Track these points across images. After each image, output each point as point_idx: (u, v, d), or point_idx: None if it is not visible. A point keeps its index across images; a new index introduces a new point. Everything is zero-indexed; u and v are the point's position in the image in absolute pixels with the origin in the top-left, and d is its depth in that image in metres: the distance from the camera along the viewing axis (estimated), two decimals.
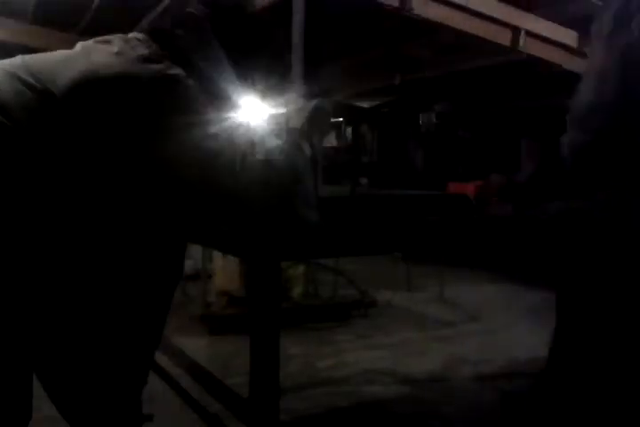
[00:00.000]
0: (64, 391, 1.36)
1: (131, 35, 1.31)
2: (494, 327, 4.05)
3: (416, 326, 4.09)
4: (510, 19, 4.17)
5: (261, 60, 1.37)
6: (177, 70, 1.20)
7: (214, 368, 3.17)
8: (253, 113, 1.31)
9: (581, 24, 4.65)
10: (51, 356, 1.30)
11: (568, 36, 4.56)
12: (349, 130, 10.02)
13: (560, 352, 1.29)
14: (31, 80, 1.18)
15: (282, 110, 1.34)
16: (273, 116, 1.34)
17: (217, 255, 4.03)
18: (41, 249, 1.17)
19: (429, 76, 6.81)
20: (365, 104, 9.31)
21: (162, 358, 3.05)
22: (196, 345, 3.52)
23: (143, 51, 1.22)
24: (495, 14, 4.08)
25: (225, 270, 3.99)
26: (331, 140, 10.07)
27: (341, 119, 9.81)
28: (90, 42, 1.29)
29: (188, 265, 4.95)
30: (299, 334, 3.67)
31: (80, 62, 1.20)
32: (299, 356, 3.32)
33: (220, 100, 1.28)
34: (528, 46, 4.36)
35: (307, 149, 1.21)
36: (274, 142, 1.21)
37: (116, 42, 1.26)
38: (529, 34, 4.30)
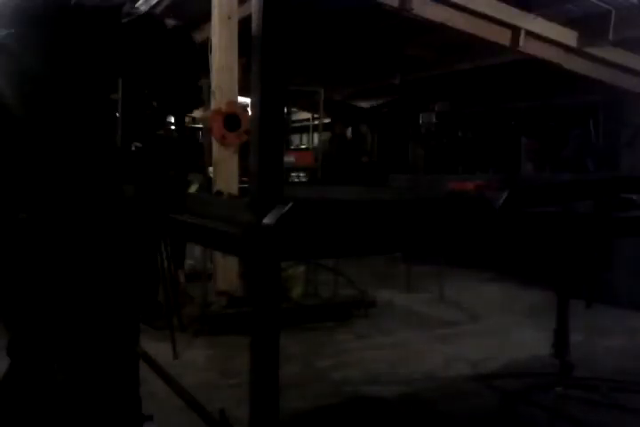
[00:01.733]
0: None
1: None
2: (494, 327, 4.05)
3: (416, 326, 4.09)
4: (510, 19, 4.17)
5: None
6: None
7: (214, 368, 3.18)
8: None
9: (581, 24, 4.66)
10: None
11: (568, 36, 4.56)
12: (349, 130, 10.03)
13: None
14: None
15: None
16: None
17: (217, 255, 4.03)
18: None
19: (429, 75, 6.81)
20: (365, 104, 9.31)
21: (161, 358, 3.05)
22: (196, 345, 3.53)
23: None
24: (495, 14, 4.09)
25: (225, 270, 3.99)
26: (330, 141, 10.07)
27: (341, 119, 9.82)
28: None
29: (188, 265, 4.95)
30: (299, 334, 3.67)
31: None
32: (299, 356, 3.32)
33: None
34: (528, 46, 4.37)
35: None
36: None
37: None
38: (529, 34, 4.30)
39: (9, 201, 1.27)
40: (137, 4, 1.80)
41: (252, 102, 1.21)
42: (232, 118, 3.84)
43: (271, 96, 1.17)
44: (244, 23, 3.95)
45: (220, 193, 1.50)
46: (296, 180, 6.09)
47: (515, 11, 4.18)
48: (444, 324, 4.15)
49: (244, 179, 3.97)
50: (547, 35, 4.43)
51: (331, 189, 2.77)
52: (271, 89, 1.17)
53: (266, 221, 1.10)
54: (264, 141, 1.17)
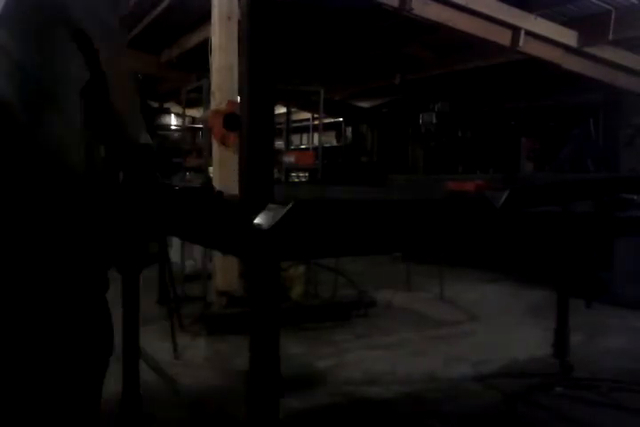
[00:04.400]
0: None
1: None
2: (494, 327, 4.04)
3: (416, 326, 4.09)
4: (510, 19, 4.18)
5: None
6: None
7: (214, 368, 3.18)
8: None
9: (581, 24, 4.66)
10: None
11: (568, 36, 4.57)
12: (349, 130, 10.04)
13: None
14: None
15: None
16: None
17: (217, 255, 4.03)
18: None
19: (429, 75, 6.81)
20: (365, 104, 9.32)
21: (161, 358, 3.06)
22: (196, 345, 3.53)
23: None
24: (495, 14, 4.09)
25: (225, 270, 3.99)
26: (330, 141, 10.08)
27: (341, 119, 9.84)
28: None
29: (189, 265, 4.95)
30: (299, 334, 3.67)
31: None
32: (299, 356, 3.32)
33: None
34: (528, 46, 4.37)
35: None
36: None
37: None
38: (529, 34, 4.31)
39: None
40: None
41: (240, 102, 1.20)
42: (232, 118, 3.84)
43: (260, 95, 1.16)
44: None
45: (220, 193, 1.49)
46: (296, 180, 6.09)
47: (515, 11, 4.18)
48: (444, 324, 4.15)
49: None
50: (547, 35, 4.44)
51: (331, 189, 2.77)
52: (260, 88, 1.17)
53: (266, 221, 1.10)
54: (255, 141, 1.17)
